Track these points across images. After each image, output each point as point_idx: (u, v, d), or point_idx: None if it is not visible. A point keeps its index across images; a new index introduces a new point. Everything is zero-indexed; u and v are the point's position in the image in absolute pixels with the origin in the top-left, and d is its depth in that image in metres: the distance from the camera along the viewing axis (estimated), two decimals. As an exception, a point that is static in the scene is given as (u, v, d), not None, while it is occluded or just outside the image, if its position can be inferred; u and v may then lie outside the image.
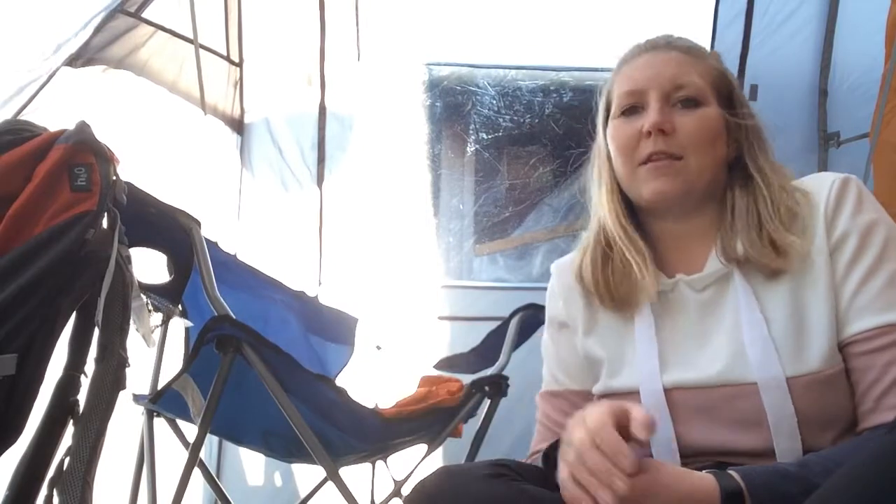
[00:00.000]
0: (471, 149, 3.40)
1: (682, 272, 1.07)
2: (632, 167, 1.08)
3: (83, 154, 1.19)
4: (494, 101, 3.31)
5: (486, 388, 1.86)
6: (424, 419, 1.82)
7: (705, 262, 1.06)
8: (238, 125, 3.02)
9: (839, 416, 0.96)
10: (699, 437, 1.00)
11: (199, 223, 1.60)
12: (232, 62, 2.98)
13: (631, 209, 1.13)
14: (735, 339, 1.00)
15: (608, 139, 1.13)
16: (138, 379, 1.50)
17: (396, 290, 2.85)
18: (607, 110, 1.15)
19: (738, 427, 0.98)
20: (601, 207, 1.14)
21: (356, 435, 1.72)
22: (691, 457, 1.00)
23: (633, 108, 1.09)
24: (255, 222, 2.97)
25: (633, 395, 1.04)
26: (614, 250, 1.10)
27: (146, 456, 1.73)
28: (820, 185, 1.03)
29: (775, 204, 1.02)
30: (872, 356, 0.95)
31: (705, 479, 0.85)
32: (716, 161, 1.06)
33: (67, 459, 1.14)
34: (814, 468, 0.85)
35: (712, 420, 0.99)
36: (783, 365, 0.95)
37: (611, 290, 1.10)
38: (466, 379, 1.92)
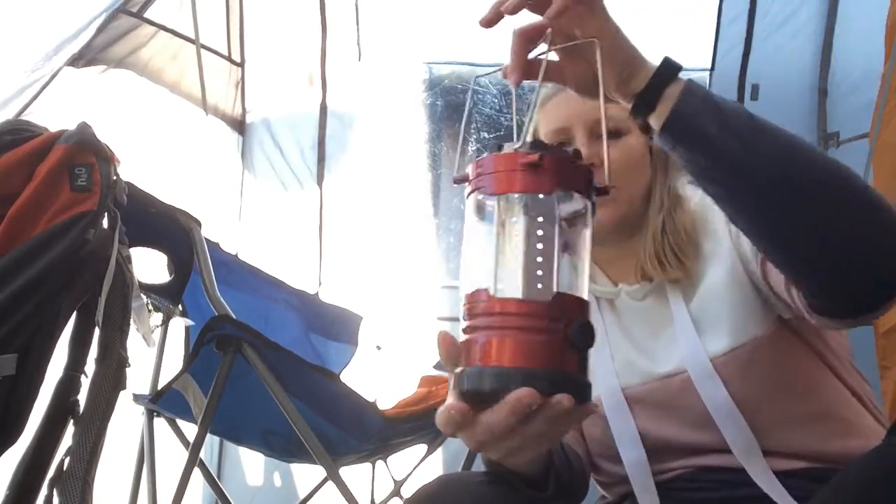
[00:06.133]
0: (472, 148, 3.39)
1: (623, 282, 1.11)
2: None
3: (84, 154, 1.19)
4: (496, 100, 3.30)
5: (486, 388, 1.85)
6: (424, 419, 1.82)
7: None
8: (239, 125, 3.03)
9: (792, 382, 0.99)
10: (662, 432, 1.03)
11: (199, 223, 1.61)
12: (233, 62, 2.98)
13: None
14: (673, 336, 1.04)
15: None
16: (138, 379, 1.51)
17: (396, 290, 2.85)
18: None
19: (694, 425, 1.01)
20: None
21: (357, 433, 1.72)
22: (659, 453, 1.03)
23: (561, 144, 1.10)
24: (256, 222, 2.97)
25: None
26: None
27: (146, 456, 1.73)
28: None
29: (674, 230, 1.06)
30: None
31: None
32: (644, 187, 1.09)
33: (67, 459, 1.14)
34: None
35: (670, 417, 1.03)
36: (705, 348, 0.99)
37: None
38: (466, 379, 1.91)
